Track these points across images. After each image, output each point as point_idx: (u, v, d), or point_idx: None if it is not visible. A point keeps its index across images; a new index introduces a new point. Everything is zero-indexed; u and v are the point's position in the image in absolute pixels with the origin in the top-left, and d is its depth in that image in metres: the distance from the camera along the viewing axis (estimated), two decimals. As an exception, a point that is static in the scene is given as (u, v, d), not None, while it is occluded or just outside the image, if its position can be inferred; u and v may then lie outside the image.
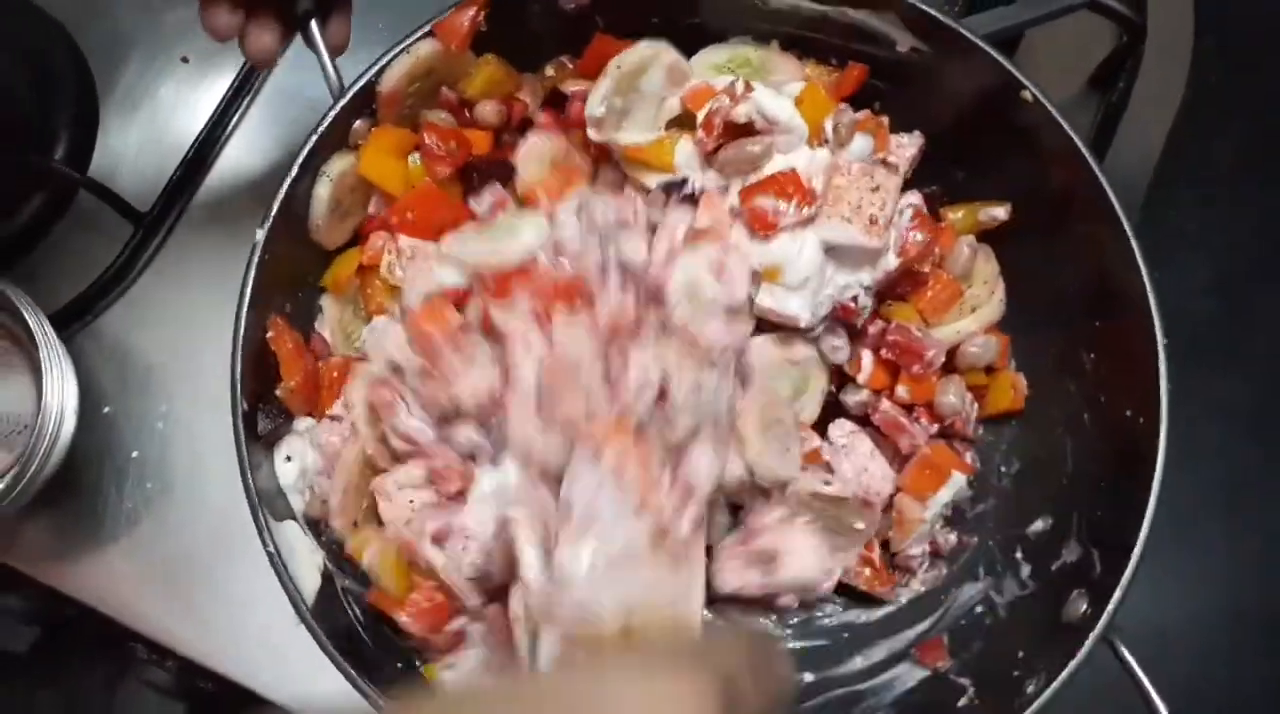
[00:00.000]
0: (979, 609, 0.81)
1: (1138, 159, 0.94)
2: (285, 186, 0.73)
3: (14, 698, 0.91)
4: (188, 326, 0.94)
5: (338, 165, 0.77)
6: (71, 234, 0.96)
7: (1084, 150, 0.75)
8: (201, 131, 0.98)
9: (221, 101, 0.99)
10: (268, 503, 0.69)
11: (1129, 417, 0.74)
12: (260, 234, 0.72)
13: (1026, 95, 0.76)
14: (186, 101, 1.00)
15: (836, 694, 0.81)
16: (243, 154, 0.99)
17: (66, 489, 0.90)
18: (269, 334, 0.74)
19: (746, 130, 0.76)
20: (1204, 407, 0.90)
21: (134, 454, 0.92)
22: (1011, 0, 0.88)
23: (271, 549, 0.67)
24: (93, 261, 0.94)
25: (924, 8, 0.76)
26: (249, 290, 0.70)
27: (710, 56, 0.81)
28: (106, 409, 0.93)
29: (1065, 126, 0.75)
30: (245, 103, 1.00)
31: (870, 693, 0.80)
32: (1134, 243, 0.73)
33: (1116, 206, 0.73)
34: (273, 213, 0.72)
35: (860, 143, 0.79)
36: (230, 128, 1.00)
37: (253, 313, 0.71)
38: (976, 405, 0.84)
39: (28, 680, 0.92)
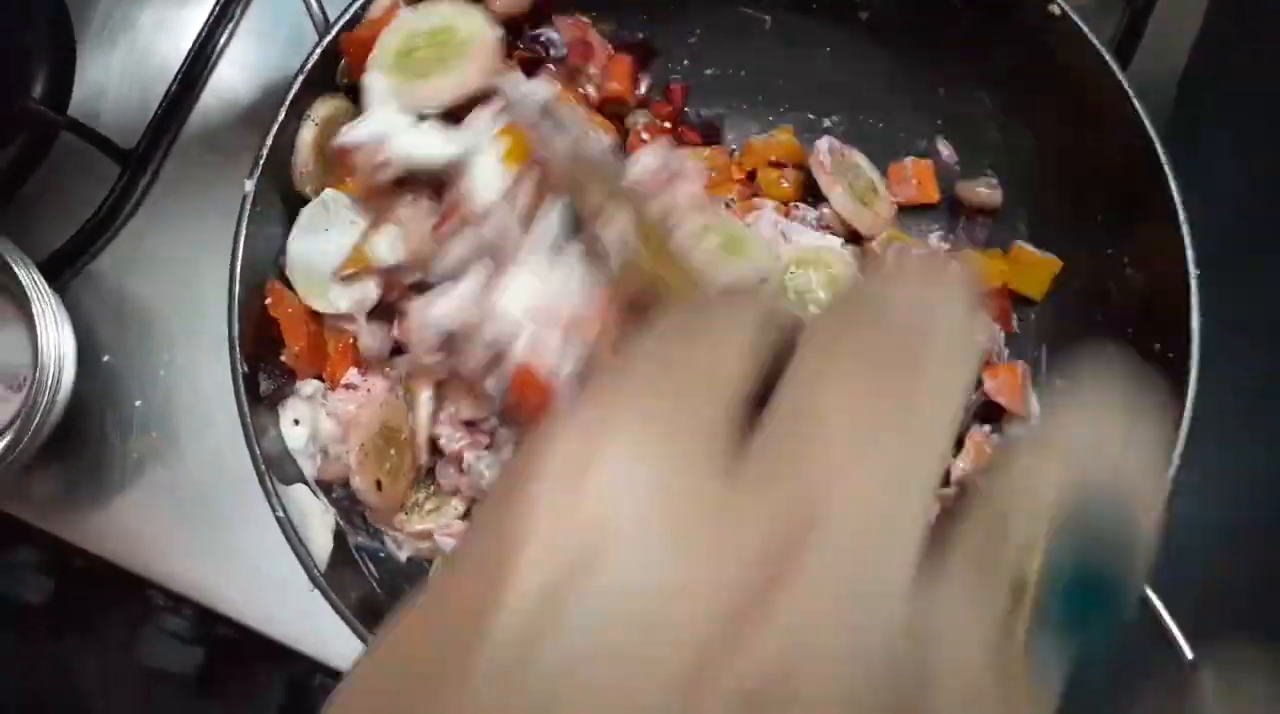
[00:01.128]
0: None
1: (1164, 65, 0.91)
2: (271, 135, 0.69)
3: (34, 648, 0.92)
4: (185, 267, 0.91)
5: (323, 109, 0.73)
6: (54, 177, 0.93)
7: (1112, 63, 0.71)
8: (186, 58, 0.93)
9: (205, 25, 0.94)
10: (275, 468, 0.68)
11: (1158, 350, 0.71)
12: (249, 185, 0.69)
13: (1054, 9, 0.71)
14: (168, 26, 0.96)
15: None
16: (232, 79, 0.95)
17: (71, 440, 0.88)
18: (267, 301, 0.71)
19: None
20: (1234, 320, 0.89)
21: (137, 403, 0.90)
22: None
23: (281, 514, 0.66)
24: (80, 205, 0.91)
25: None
26: (240, 251, 0.67)
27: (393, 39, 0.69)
28: (106, 357, 0.91)
29: (1093, 39, 0.71)
30: (231, 25, 0.95)
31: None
32: (1167, 166, 0.69)
33: (1150, 129, 0.69)
34: (260, 165, 0.68)
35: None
36: (216, 53, 0.95)
37: (247, 273, 0.68)
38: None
39: (47, 630, 0.92)
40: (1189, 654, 0.65)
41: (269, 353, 0.73)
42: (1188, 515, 0.77)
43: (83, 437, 0.90)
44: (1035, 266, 0.81)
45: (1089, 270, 0.79)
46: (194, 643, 0.90)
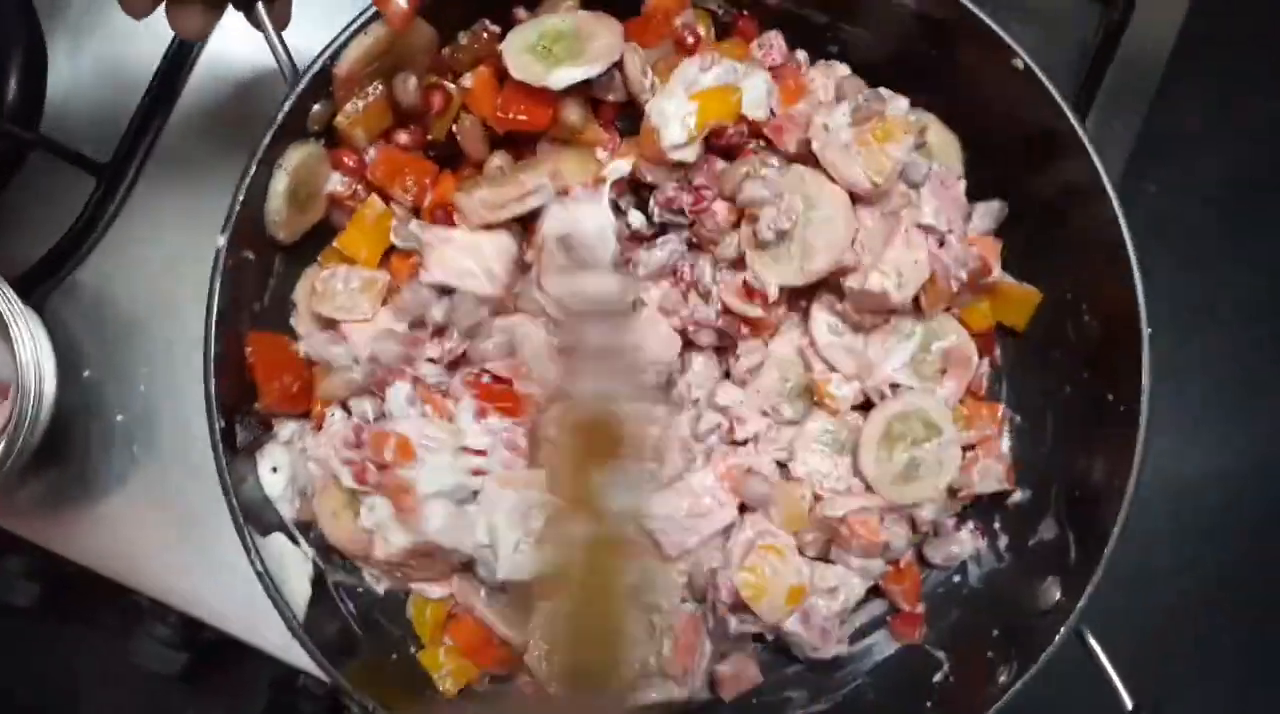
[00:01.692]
0: (956, 578, 0.83)
1: (1143, 69, 0.91)
2: (242, 190, 0.70)
3: (25, 653, 0.94)
4: (162, 278, 0.92)
5: (295, 156, 0.73)
6: (29, 191, 0.93)
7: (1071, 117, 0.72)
8: (160, 64, 0.92)
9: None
10: (253, 517, 0.70)
11: (1111, 401, 0.73)
12: (221, 241, 0.69)
13: (1018, 64, 0.72)
14: (141, 30, 0.94)
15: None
16: (207, 86, 0.94)
17: (55, 453, 0.90)
18: (248, 350, 0.73)
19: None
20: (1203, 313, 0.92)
21: (119, 417, 0.92)
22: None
23: (260, 568, 0.68)
24: (56, 218, 0.91)
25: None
26: (215, 306, 0.68)
27: (520, 39, 0.75)
28: (87, 372, 0.92)
29: (1054, 92, 0.72)
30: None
31: (848, 659, 0.82)
32: (1125, 230, 0.71)
33: (1112, 195, 0.71)
34: (231, 221, 0.69)
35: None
36: (191, 59, 0.94)
37: (221, 327, 0.69)
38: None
39: (37, 635, 0.95)
40: (1129, 703, 0.68)
41: (245, 402, 0.74)
42: (1132, 563, 0.81)
43: (67, 449, 0.91)
44: (1017, 298, 0.83)
45: (1050, 310, 0.81)
46: (180, 647, 0.93)
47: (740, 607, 0.78)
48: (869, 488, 0.79)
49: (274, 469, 0.74)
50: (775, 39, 0.82)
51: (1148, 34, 0.91)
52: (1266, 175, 0.98)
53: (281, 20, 0.70)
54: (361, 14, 0.71)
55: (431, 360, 0.77)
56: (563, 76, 0.73)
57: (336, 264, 0.78)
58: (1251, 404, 0.96)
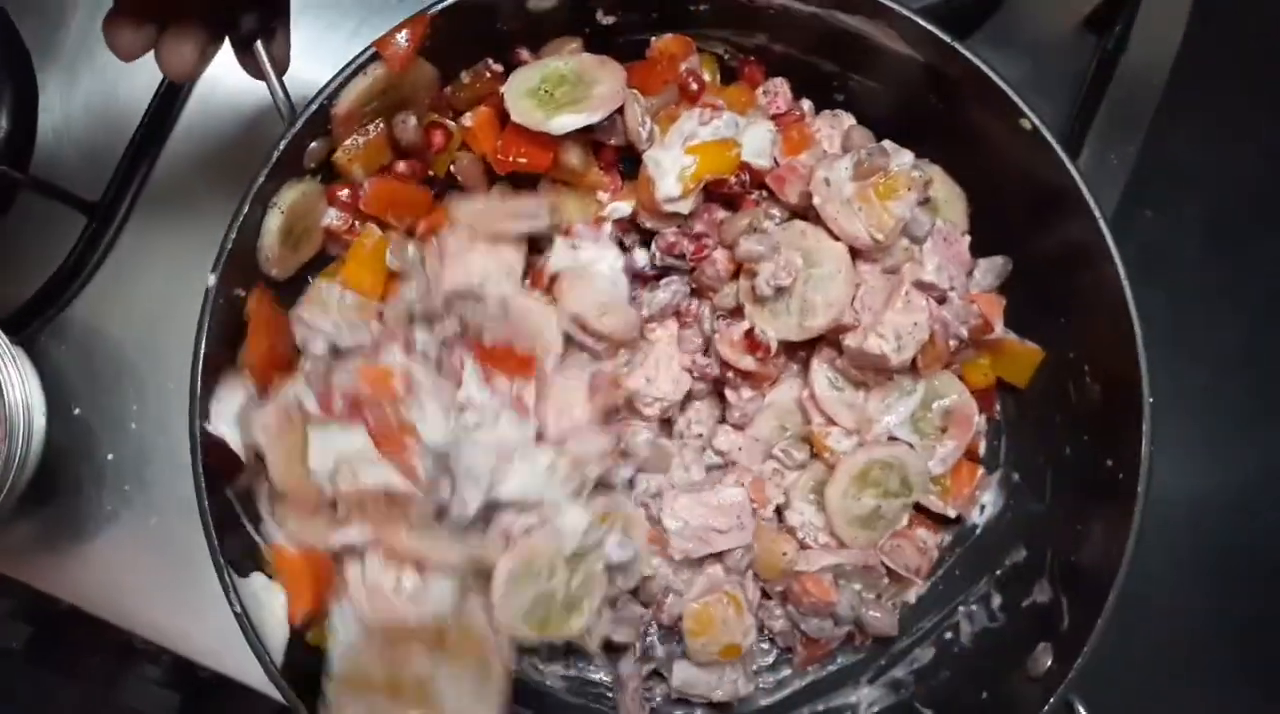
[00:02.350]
0: (948, 635, 0.82)
1: (1137, 100, 0.91)
2: (236, 224, 0.69)
3: (15, 694, 0.93)
4: (152, 316, 0.92)
5: (289, 194, 0.72)
6: (19, 229, 0.92)
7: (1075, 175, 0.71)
8: (151, 101, 0.92)
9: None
10: (233, 559, 0.69)
11: (1110, 467, 0.72)
12: (212, 280, 0.69)
13: (1025, 123, 0.71)
14: (132, 73, 0.93)
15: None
16: (196, 126, 0.94)
17: (46, 493, 0.90)
18: (251, 304, 0.73)
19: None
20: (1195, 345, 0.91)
21: (109, 456, 0.91)
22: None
23: (238, 609, 0.67)
24: (46, 256, 0.91)
25: (919, 21, 0.70)
26: (203, 349, 0.68)
27: (521, 82, 0.75)
28: (77, 410, 0.92)
29: (1058, 148, 0.71)
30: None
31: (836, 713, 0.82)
32: (1129, 294, 0.69)
33: (1114, 252, 0.70)
34: (222, 259, 0.68)
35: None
36: (180, 100, 0.93)
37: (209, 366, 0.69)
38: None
39: (29, 677, 0.94)
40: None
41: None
42: (1126, 631, 0.80)
43: (57, 488, 0.91)
44: (1019, 356, 0.82)
45: (1052, 369, 0.80)
46: (172, 686, 0.92)
47: (674, 633, 0.80)
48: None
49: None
50: (781, 87, 0.81)
51: (1142, 64, 0.90)
52: (1256, 205, 0.96)
53: (281, 63, 0.69)
54: (361, 54, 0.70)
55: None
56: (563, 123, 0.73)
57: (332, 281, 0.78)
58: (1253, 435, 0.94)
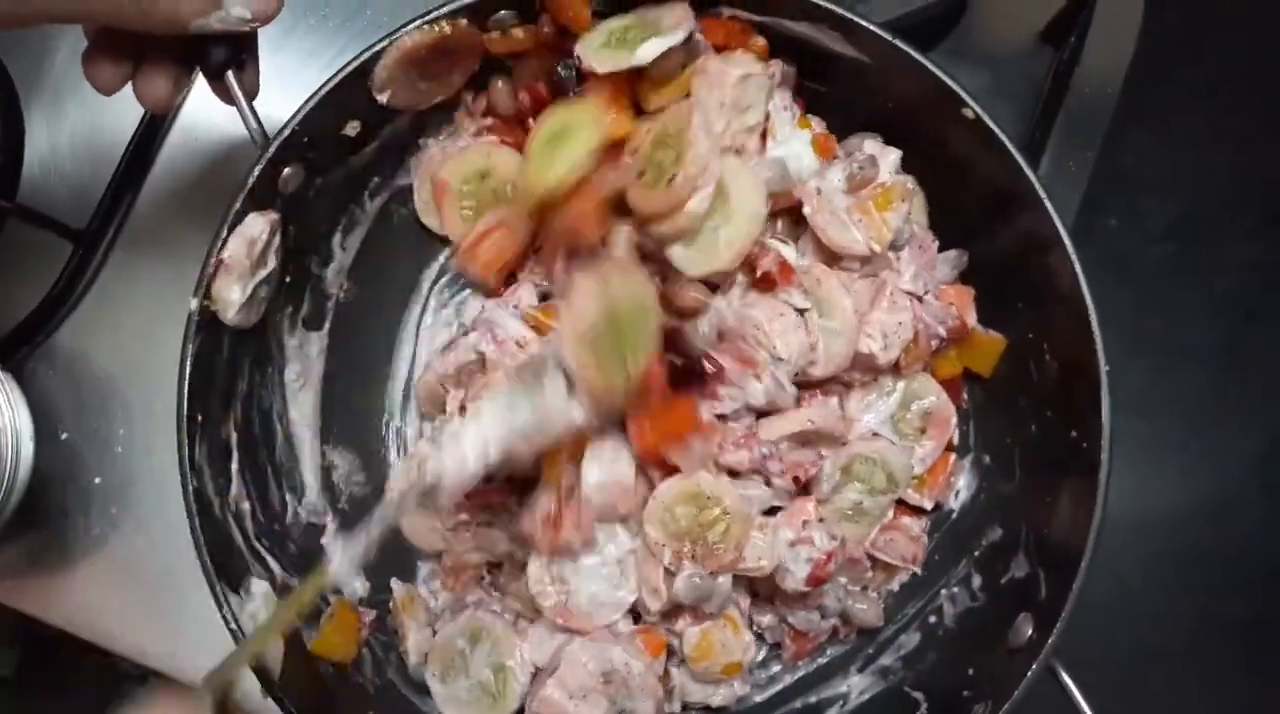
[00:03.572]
0: (932, 619, 0.84)
1: (1093, 108, 0.93)
2: (217, 249, 0.71)
3: (2, 718, 0.94)
4: (140, 342, 0.93)
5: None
6: (6, 256, 0.94)
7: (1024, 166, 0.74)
8: (136, 131, 0.94)
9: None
10: (225, 574, 0.70)
11: (1074, 438, 0.74)
12: (194, 304, 0.71)
13: (967, 113, 0.74)
14: (116, 105, 0.95)
15: (795, 707, 0.85)
16: (178, 157, 0.96)
17: (32, 517, 0.90)
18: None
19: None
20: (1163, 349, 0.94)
21: (96, 480, 0.92)
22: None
23: (234, 626, 0.68)
24: (33, 282, 0.92)
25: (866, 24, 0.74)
26: (188, 370, 0.69)
27: (592, 41, 0.75)
28: (64, 435, 0.93)
29: (1005, 140, 0.74)
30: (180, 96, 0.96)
31: (828, 703, 0.83)
32: (1078, 266, 0.72)
33: (1067, 242, 0.73)
34: (205, 283, 0.70)
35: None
36: (167, 124, 0.96)
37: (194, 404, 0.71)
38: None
39: (19, 702, 0.94)
40: (1102, 736, 0.69)
41: (221, 458, 0.75)
42: (1105, 599, 0.82)
43: (45, 513, 0.92)
44: (984, 345, 0.84)
45: (1013, 353, 0.82)
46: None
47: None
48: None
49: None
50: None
51: (1097, 74, 0.93)
52: (1216, 211, 1.00)
53: (250, 89, 0.72)
54: (329, 79, 0.73)
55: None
56: (649, 50, 0.73)
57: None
58: (1216, 437, 0.97)
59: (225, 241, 0.71)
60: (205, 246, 0.72)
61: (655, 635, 0.80)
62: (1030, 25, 0.99)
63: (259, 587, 0.74)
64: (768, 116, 0.79)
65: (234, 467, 0.77)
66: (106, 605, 0.90)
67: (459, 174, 0.84)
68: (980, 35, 0.98)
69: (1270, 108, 1.01)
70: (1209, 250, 0.99)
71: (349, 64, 0.73)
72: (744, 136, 0.77)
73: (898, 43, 0.74)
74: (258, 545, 0.77)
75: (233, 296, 0.71)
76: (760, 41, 0.79)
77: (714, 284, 0.79)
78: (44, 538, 0.91)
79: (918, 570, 0.84)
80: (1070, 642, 0.70)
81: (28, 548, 0.91)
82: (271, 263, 0.76)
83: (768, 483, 0.78)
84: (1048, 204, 0.73)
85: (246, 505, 0.78)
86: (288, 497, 0.83)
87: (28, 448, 0.86)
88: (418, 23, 0.73)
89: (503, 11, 0.76)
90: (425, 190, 0.87)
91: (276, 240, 0.76)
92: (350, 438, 0.88)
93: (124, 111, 0.95)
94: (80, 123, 0.96)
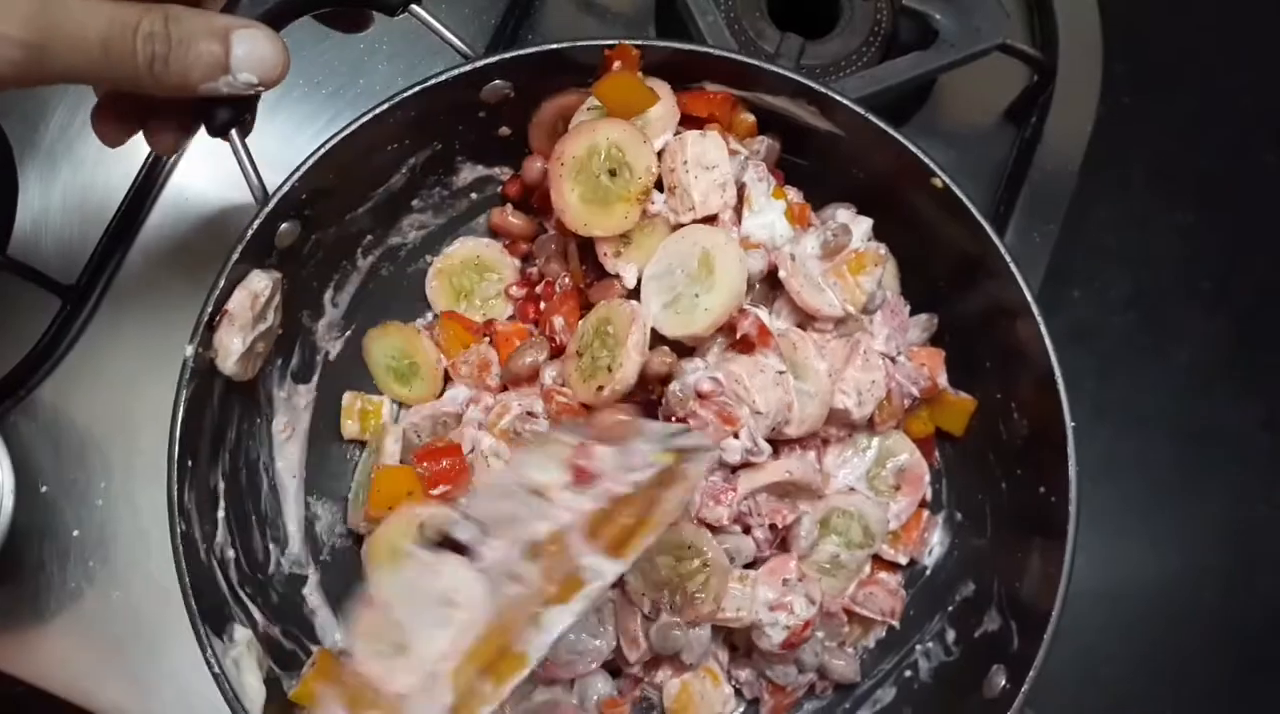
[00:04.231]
0: (908, 673, 0.85)
1: (1055, 183, 0.99)
2: (213, 297, 0.72)
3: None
4: (123, 397, 0.94)
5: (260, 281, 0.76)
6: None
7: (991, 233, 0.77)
8: (128, 191, 0.96)
9: (147, 159, 0.97)
10: (210, 618, 0.70)
11: (1042, 494, 0.77)
12: (189, 351, 0.72)
13: (937, 182, 0.78)
14: (111, 158, 0.98)
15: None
16: (169, 216, 0.98)
17: (8, 570, 0.90)
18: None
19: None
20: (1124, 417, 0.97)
21: (75, 533, 0.92)
22: (926, 45, 0.91)
23: (217, 670, 0.69)
24: (19, 336, 0.93)
25: (840, 98, 0.78)
26: (180, 417, 0.70)
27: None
28: (44, 488, 0.93)
29: (973, 210, 0.78)
30: (173, 158, 0.98)
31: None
32: (1043, 329, 0.75)
33: (1032, 305, 0.76)
34: (200, 330, 0.72)
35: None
36: (158, 185, 0.98)
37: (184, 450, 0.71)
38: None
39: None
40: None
41: (209, 506, 0.76)
42: (1076, 658, 0.84)
43: (21, 566, 0.91)
44: (955, 406, 0.87)
45: (982, 412, 0.85)
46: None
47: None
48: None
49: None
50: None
51: (1057, 152, 0.99)
52: (1173, 284, 1.04)
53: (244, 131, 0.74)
54: (332, 137, 0.75)
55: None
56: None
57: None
58: (1180, 505, 0.99)
59: (226, 291, 0.73)
60: (191, 305, 0.73)
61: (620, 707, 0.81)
62: (994, 105, 1.05)
63: (241, 634, 0.74)
64: (743, 187, 0.82)
65: (220, 514, 0.78)
66: (78, 659, 0.89)
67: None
68: (946, 114, 1.04)
69: (1213, 187, 1.07)
70: (1168, 321, 1.04)
71: (354, 121, 0.76)
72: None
73: (870, 117, 0.78)
74: (241, 593, 0.77)
75: (234, 346, 0.73)
76: (749, 119, 0.83)
77: (689, 348, 0.81)
78: (19, 593, 0.90)
79: (895, 624, 0.85)
80: (1043, 693, 0.72)
81: (3, 602, 0.90)
82: (270, 319, 0.77)
83: (746, 530, 0.79)
84: (1015, 271, 0.76)
85: (231, 553, 0.78)
86: (271, 546, 0.83)
87: (8, 505, 0.86)
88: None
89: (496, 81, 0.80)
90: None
91: (278, 298, 0.78)
92: (334, 490, 0.89)
93: (116, 172, 0.97)
94: (73, 182, 0.98)
